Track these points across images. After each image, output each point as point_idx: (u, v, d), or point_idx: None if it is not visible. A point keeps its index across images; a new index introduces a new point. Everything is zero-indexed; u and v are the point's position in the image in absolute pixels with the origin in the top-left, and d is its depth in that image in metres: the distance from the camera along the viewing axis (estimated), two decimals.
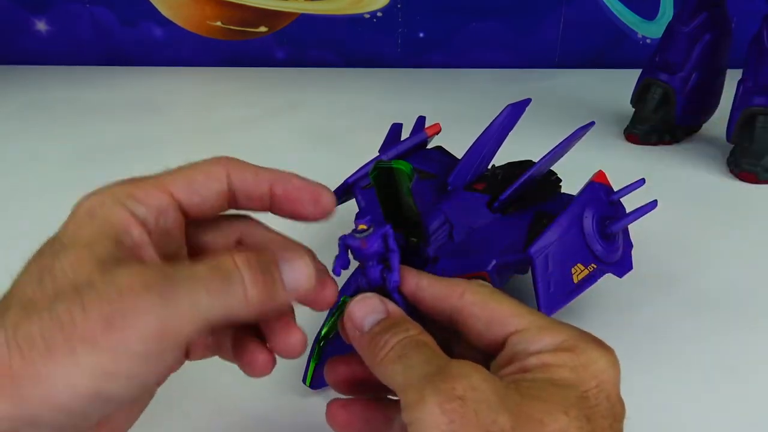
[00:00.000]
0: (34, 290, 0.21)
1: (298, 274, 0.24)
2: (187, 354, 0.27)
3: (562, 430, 0.20)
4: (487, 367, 0.24)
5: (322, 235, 0.53)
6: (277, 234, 0.27)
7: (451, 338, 0.26)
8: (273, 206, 0.26)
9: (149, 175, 0.25)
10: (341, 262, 0.27)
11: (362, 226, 0.27)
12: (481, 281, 0.27)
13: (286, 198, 0.26)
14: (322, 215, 0.26)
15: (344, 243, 0.27)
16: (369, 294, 0.26)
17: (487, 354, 0.25)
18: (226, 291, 0.22)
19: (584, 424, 0.21)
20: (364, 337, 0.25)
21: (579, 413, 0.21)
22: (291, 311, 0.27)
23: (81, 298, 0.20)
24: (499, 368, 0.24)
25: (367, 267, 0.26)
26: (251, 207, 0.26)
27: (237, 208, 0.27)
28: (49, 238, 0.23)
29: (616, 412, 0.23)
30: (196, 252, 0.27)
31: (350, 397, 0.28)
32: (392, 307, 0.25)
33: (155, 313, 0.21)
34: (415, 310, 0.26)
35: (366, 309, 0.25)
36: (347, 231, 0.27)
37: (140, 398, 0.24)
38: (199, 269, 0.22)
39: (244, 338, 0.28)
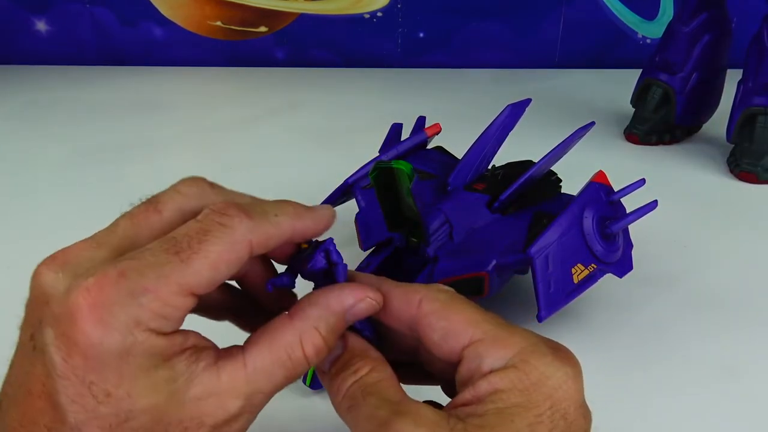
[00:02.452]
0: None
1: (356, 316, 0.24)
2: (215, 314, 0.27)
3: None
4: (453, 374, 0.24)
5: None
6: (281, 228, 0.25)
7: (419, 346, 0.25)
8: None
9: (162, 264, 0.21)
10: (280, 281, 0.25)
11: (303, 245, 0.26)
12: (441, 286, 0.25)
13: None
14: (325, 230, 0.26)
15: (289, 263, 0.26)
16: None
17: (450, 363, 0.24)
18: (294, 376, 0.23)
19: None
20: (325, 378, 0.24)
21: None
22: None
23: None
24: (461, 384, 0.23)
25: (316, 286, 0.26)
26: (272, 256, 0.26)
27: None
28: (93, 396, 0.20)
29: (574, 429, 0.21)
30: None
31: None
32: (351, 339, 0.25)
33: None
34: (376, 322, 0.26)
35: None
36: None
37: None
38: (273, 371, 0.22)
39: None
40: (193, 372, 0.21)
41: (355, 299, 0.24)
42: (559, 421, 0.21)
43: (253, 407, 0.22)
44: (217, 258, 0.21)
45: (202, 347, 0.22)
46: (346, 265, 0.25)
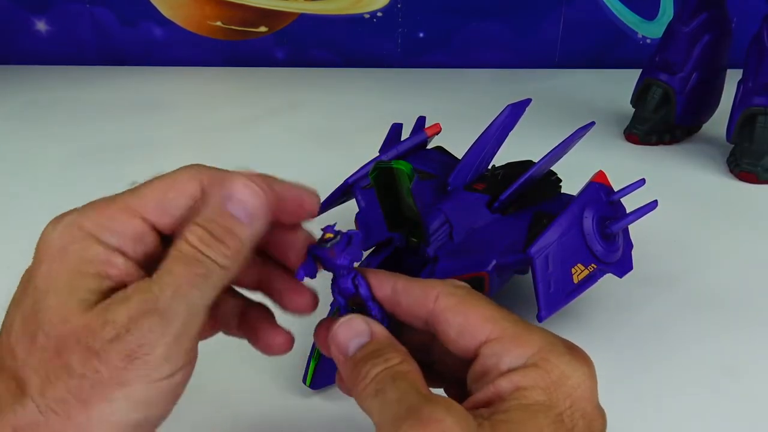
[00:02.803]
0: (33, 352, 0.21)
1: (240, 202, 0.24)
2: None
3: None
4: (465, 372, 0.24)
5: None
6: (228, 173, 0.26)
7: (431, 342, 0.26)
8: None
9: (115, 197, 0.24)
10: (306, 270, 0.26)
11: (329, 235, 0.26)
12: (457, 281, 0.26)
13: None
14: (306, 218, 0.26)
15: (312, 253, 0.26)
16: (353, 315, 0.25)
17: (464, 360, 0.24)
18: (207, 276, 0.22)
19: None
20: (347, 363, 0.24)
21: None
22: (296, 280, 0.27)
23: (91, 348, 0.21)
24: (474, 381, 0.23)
25: (338, 277, 0.26)
26: None
27: None
28: (22, 283, 0.23)
29: (594, 427, 0.22)
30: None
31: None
32: (377, 328, 0.24)
33: (165, 332, 0.21)
34: (392, 316, 0.26)
35: (350, 333, 0.24)
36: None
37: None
38: (174, 269, 0.22)
39: (250, 312, 0.27)
40: (115, 289, 0.22)
41: (224, 194, 0.24)
42: (579, 420, 0.21)
43: (164, 309, 0.22)
44: (164, 186, 0.24)
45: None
46: (369, 293, 0.26)
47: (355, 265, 0.27)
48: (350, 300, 0.26)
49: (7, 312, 0.23)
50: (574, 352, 0.23)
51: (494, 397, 0.22)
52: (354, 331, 0.24)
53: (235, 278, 0.24)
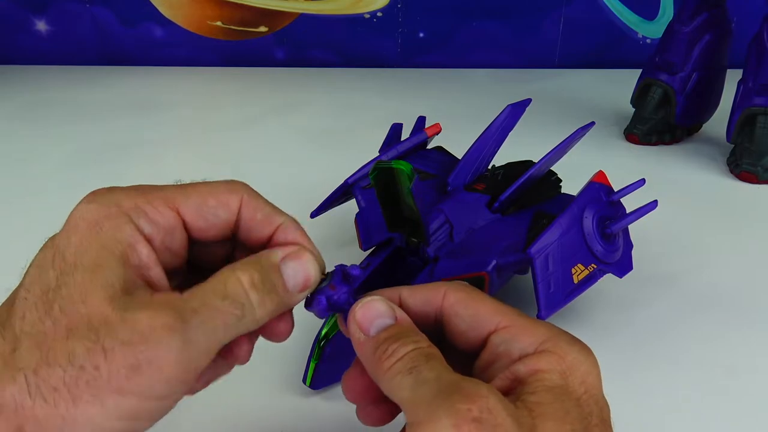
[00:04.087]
0: (44, 321, 0.20)
1: (300, 276, 0.24)
2: None
3: None
4: (470, 370, 0.24)
5: (319, 237, 0.53)
6: (271, 206, 0.26)
7: (439, 341, 0.25)
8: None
9: (159, 187, 0.24)
10: (320, 311, 0.26)
11: (321, 276, 0.26)
12: (460, 282, 0.26)
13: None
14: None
15: (317, 297, 0.26)
16: (376, 297, 0.25)
17: (469, 356, 0.25)
18: (240, 320, 0.23)
19: None
20: (369, 342, 0.24)
21: (581, 427, 0.21)
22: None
23: (100, 342, 0.20)
24: (482, 370, 0.24)
25: (338, 290, 0.26)
26: (247, 242, 0.26)
27: (236, 236, 0.26)
28: (49, 244, 0.22)
29: (605, 415, 0.22)
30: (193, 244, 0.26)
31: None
32: (400, 313, 0.24)
33: (178, 357, 0.21)
34: None
35: (373, 312, 0.24)
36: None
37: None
38: (212, 300, 0.22)
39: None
40: (134, 281, 0.22)
41: (283, 252, 0.25)
42: (593, 406, 0.22)
43: (189, 333, 0.21)
44: (208, 192, 0.24)
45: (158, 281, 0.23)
46: (349, 300, 0.26)
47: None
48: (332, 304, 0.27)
49: (28, 272, 0.22)
50: (578, 342, 0.23)
51: (513, 383, 0.22)
52: (377, 311, 0.24)
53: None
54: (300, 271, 0.24)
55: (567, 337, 0.23)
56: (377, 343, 0.23)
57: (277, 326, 0.26)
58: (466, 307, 0.25)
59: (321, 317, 0.27)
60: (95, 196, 0.23)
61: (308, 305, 0.26)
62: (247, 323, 0.23)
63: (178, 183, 0.25)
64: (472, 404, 0.19)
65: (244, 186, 0.26)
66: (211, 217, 0.24)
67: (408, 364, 0.22)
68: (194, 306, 0.22)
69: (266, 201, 0.26)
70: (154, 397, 0.21)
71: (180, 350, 0.21)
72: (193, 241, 0.25)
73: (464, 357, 0.25)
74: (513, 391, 0.22)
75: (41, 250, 0.23)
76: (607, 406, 0.23)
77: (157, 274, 0.23)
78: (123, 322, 0.20)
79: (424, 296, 0.26)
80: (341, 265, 0.27)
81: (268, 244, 0.26)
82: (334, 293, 0.26)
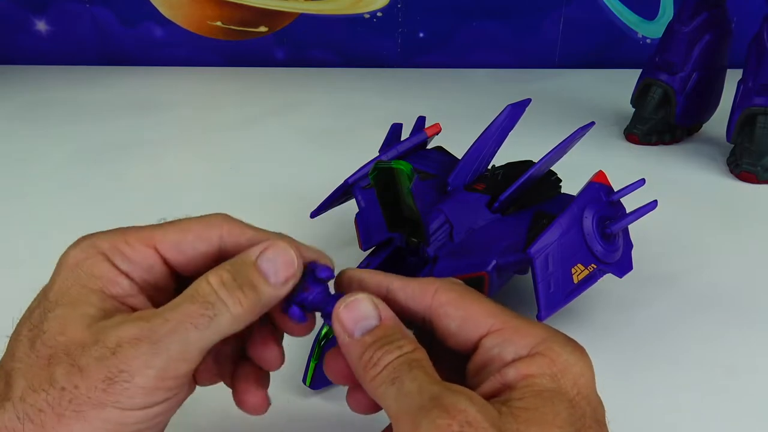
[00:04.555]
0: (29, 355, 0.22)
1: (278, 263, 0.24)
2: (196, 380, 0.27)
3: None
4: (463, 369, 0.24)
5: (319, 237, 0.53)
6: (254, 229, 0.26)
7: (424, 339, 0.25)
8: None
9: (139, 227, 0.25)
10: (298, 317, 0.26)
11: None
12: (453, 279, 0.26)
13: None
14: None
15: (294, 303, 0.26)
16: (360, 295, 0.24)
17: (461, 355, 0.24)
18: (212, 320, 0.23)
19: None
20: (354, 345, 0.23)
21: (572, 429, 0.21)
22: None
23: (77, 364, 0.21)
24: (474, 374, 0.23)
25: (312, 290, 0.26)
26: None
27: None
28: (38, 296, 0.24)
29: (599, 415, 0.22)
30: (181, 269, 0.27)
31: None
32: (385, 312, 0.24)
33: (149, 364, 0.21)
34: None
35: (356, 313, 0.24)
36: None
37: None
38: (182, 306, 0.23)
39: (243, 367, 0.28)
40: (116, 308, 0.24)
41: (259, 249, 0.25)
42: (587, 407, 0.22)
43: (157, 341, 0.22)
44: (187, 227, 0.25)
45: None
46: (321, 290, 0.26)
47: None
48: (317, 309, 0.26)
49: (21, 318, 0.24)
50: (571, 342, 0.23)
51: (502, 387, 0.22)
52: (361, 312, 0.24)
53: (238, 331, 0.24)
54: (279, 262, 0.24)
55: (561, 338, 0.23)
56: (363, 347, 0.23)
57: (251, 398, 0.27)
58: (457, 308, 0.24)
59: (301, 322, 0.26)
60: (78, 242, 0.25)
61: (285, 310, 0.26)
62: (224, 323, 0.23)
63: (162, 221, 0.26)
64: (452, 419, 0.20)
65: (225, 217, 0.26)
66: (190, 251, 0.25)
67: (391, 374, 0.22)
68: (165, 315, 0.22)
69: (250, 226, 0.26)
70: (135, 406, 0.21)
71: (149, 358, 0.21)
72: (179, 274, 0.26)
73: (454, 355, 0.25)
74: (502, 395, 0.22)
75: (33, 300, 0.24)
76: (602, 405, 0.23)
77: (141, 301, 0.24)
78: (95, 343, 0.22)
79: (414, 292, 0.25)
80: (312, 263, 0.26)
81: None
82: (309, 294, 0.25)
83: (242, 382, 0.27)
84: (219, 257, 0.25)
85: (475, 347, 0.23)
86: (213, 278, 0.23)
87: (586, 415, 0.22)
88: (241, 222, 0.26)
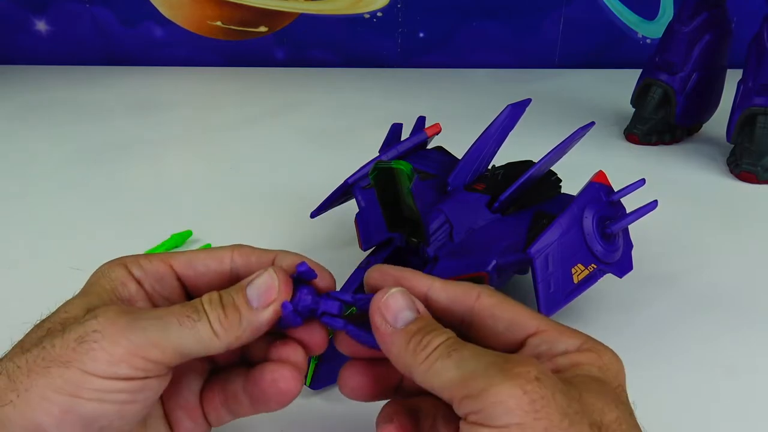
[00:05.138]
0: (35, 331, 0.24)
1: (259, 289, 0.25)
2: (207, 419, 0.28)
3: (618, 419, 0.22)
4: None
5: (319, 237, 0.53)
6: (262, 251, 0.28)
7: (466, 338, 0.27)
8: None
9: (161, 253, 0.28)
10: (292, 321, 0.27)
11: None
12: (489, 286, 0.27)
13: None
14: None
15: (290, 310, 0.26)
16: (396, 290, 0.25)
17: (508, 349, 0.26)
18: (194, 325, 0.24)
19: (629, 417, 0.23)
20: (398, 334, 0.24)
21: (624, 407, 0.23)
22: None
23: (63, 330, 0.23)
24: None
25: (299, 295, 0.27)
26: None
27: None
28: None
29: (632, 412, 0.24)
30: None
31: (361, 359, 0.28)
32: (421, 306, 0.26)
33: (123, 334, 0.23)
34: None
35: (399, 305, 0.25)
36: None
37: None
38: (174, 307, 0.25)
39: (284, 344, 0.28)
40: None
41: (252, 277, 0.26)
42: (627, 401, 0.24)
43: (139, 319, 0.24)
44: (200, 250, 0.28)
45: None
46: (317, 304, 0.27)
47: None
48: (308, 316, 0.27)
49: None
50: (608, 347, 0.25)
51: (555, 371, 0.23)
52: (403, 304, 0.25)
53: (220, 352, 0.25)
54: (262, 288, 0.26)
55: (599, 342, 0.25)
56: (408, 335, 0.24)
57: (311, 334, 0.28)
58: (504, 311, 0.25)
59: (295, 326, 0.27)
60: (110, 261, 0.28)
61: (280, 324, 0.27)
62: (204, 333, 0.24)
63: None
64: (531, 367, 0.21)
65: (239, 244, 0.29)
66: (200, 267, 0.27)
67: (445, 350, 0.23)
68: (155, 310, 0.25)
69: (260, 248, 0.28)
70: (97, 371, 0.22)
71: (125, 329, 0.23)
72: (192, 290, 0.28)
73: None
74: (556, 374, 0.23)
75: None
76: (632, 405, 0.24)
77: (146, 306, 0.27)
78: (86, 313, 0.24)
79: (457, 294, 0.26)
80: (301, 264, 0.27)
81: None
82: (297, 298, 0.26)
83: (280, 357, 0.28)
84: (231, 279, 0.27)
85: (520, 346, 0.25)
86: (205, 296, 0.25)
87: (627, 408, 0.23)
88: (250, 246, 0.28)
